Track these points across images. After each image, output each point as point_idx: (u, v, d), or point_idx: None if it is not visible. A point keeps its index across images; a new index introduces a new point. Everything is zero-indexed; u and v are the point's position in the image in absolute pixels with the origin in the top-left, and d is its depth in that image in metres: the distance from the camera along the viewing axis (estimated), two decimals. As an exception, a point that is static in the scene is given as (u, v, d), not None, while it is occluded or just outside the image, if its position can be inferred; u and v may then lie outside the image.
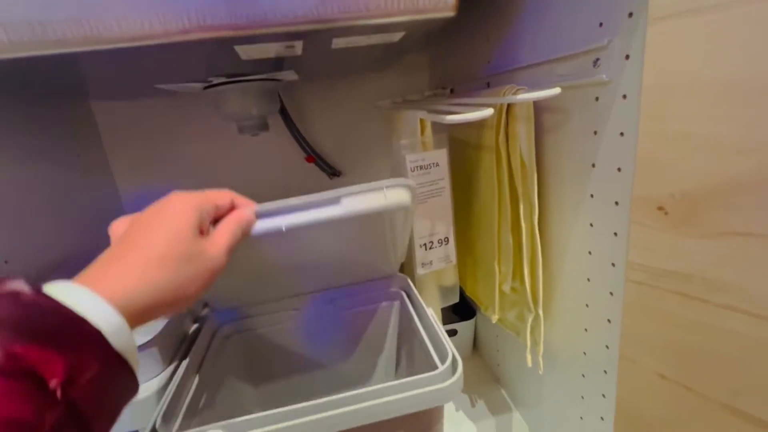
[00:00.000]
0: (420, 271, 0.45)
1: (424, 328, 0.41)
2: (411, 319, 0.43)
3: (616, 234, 0.34)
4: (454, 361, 0.34)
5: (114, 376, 0.20)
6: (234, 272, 0.34)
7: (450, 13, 0.31)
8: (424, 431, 0.36)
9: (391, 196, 0.33)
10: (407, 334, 0.46)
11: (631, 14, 0.29)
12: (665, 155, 0.28)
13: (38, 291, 0.19)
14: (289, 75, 0.50)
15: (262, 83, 0.50)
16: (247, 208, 0.31)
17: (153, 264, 0.23)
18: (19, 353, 0.17)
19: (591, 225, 0.38)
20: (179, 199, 0.26)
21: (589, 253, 0.39)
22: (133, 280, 0.22)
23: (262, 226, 0.31)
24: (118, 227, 0.27)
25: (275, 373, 0.50)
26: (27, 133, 0.57)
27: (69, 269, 0.53)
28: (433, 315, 0.41)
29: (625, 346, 0.35)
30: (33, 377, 0.17)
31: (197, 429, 0.29)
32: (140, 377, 0.33)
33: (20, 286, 0.19)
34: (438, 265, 0.45)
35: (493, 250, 0.46)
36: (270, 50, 0.34)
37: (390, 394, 0.31)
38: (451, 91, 0.69)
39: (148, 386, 0.33)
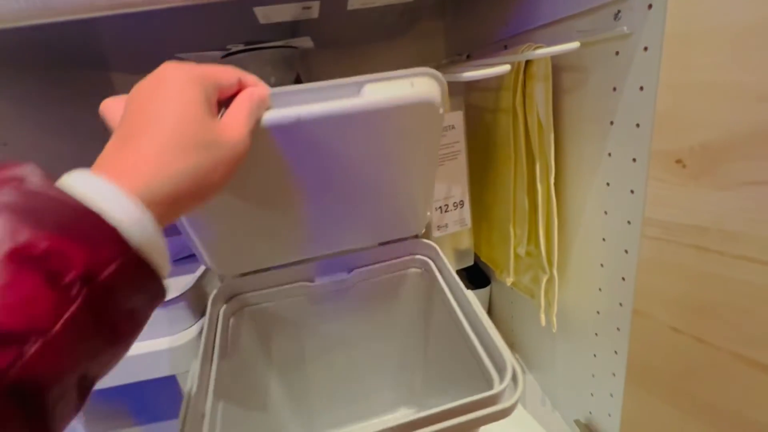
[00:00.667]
0: (435, 233, 0.46)
1: (471, 326, 0.36)
2: (449, 306, 0.39)
3: (632, 191, 0.35)
4: (514, 374, 0.30)
5: (137, 276, 0.18)
6: (242, 214, 0.33)
7: (467, -33, 0.31)
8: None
9: (419, 85, 0.29)
10: (439, 314, 0.42)
11: (655, -40, 0.28)
12: (685, 107, 0.28)
13: (46, 179, 0.17)
14: (305, 42, 0.50)
15: (278, 51, 0.50)
16: (259, 85, 0.27)
17: (168, 151, 0.20)
18: (24, 240, 0.14)
19: (608, 184, 0.38)
20: (177, 73, 0.22)
21: (605, 212, 0.39)
22: (150, 169, 0.19)
23: (276, 115, 0.28)
24: (113, 107, 0.24)
25: (290, 350, 0.46)
26: (53, 106, 0.59)
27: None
28: (477, 303, 0.37)
29: (639, 302, 0.36)
30: (43, 267, 0.15)
31: None
32: (177, 327, 0.36)
33: (26, 171, 0.16)
34: (453, 228, 0.46)
35: (509, 213, 0.46)
36: (288, 12, 0.34)
37: (447, 418, 0.27)
38: (468, 57, 0.68)
39: (184, 335, 0.35)
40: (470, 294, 0.38)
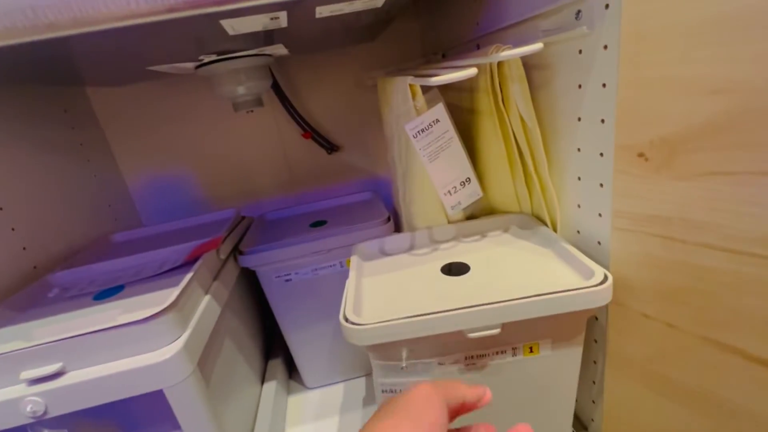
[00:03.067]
0: (451, 212, 0.47)
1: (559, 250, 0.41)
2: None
3: (602, 185, 0.36)
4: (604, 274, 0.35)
5: None
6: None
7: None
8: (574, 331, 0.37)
9: None
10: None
11: (609, -38, 0.29)
12: (643, 102, 0.29)
13: None
14: (279, 49, 0.50)
15: (253, 59, 0.50)
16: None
17: None
18: None
19: (579, 178, 0.39)
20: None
21: (578, 206, 0.40)
22: None
23: None
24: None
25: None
26: (30, 124, 0.58)
27: (82, 258, 0.55)
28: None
29: (613, 291, 0.37)
30: None
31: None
32: (163, 341, 0.36)
33: None
34: (467, 201, 0.47)
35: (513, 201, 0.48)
36: (256, 23, 0.35)
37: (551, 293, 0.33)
38: (443, 56, 0.69)
39: (170, 348, 0.36)
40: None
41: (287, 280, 0.59)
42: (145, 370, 0.35)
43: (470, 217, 0.52)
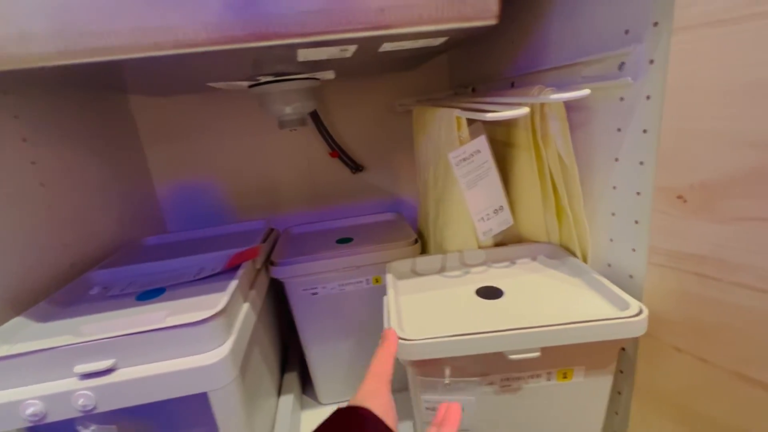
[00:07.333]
0: (482, 238, 0.49)
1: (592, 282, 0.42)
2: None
3: (637, 222, 0.38)
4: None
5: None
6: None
7: (493, 22, 0.35)
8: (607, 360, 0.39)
9: None
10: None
11: (656, 24, 0.33)
12: (685, 149, 0.32)
13: None
14: (329, 74, 0.53)
15: (303, 82, 0.54)
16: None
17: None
18: None
19: (613, 214, 0.41)
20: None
21: (611, 240, 0.42)
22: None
23: None
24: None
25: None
26: (79, 127, 0.61)
27: (116, 259, 0.57)
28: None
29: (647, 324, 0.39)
30: None
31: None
32: (210, 344, 0.37)
33: None
34: (498, 228, 0.49)
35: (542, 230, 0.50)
36: (327, 53, 0.38)
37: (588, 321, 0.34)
38: (473, 90, 0.73)
39: (218, 352, 0.37)
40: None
41: (313, 294, 0.61)
42: (193, 372, 0.36)
43: (499, 244, 0.54)
